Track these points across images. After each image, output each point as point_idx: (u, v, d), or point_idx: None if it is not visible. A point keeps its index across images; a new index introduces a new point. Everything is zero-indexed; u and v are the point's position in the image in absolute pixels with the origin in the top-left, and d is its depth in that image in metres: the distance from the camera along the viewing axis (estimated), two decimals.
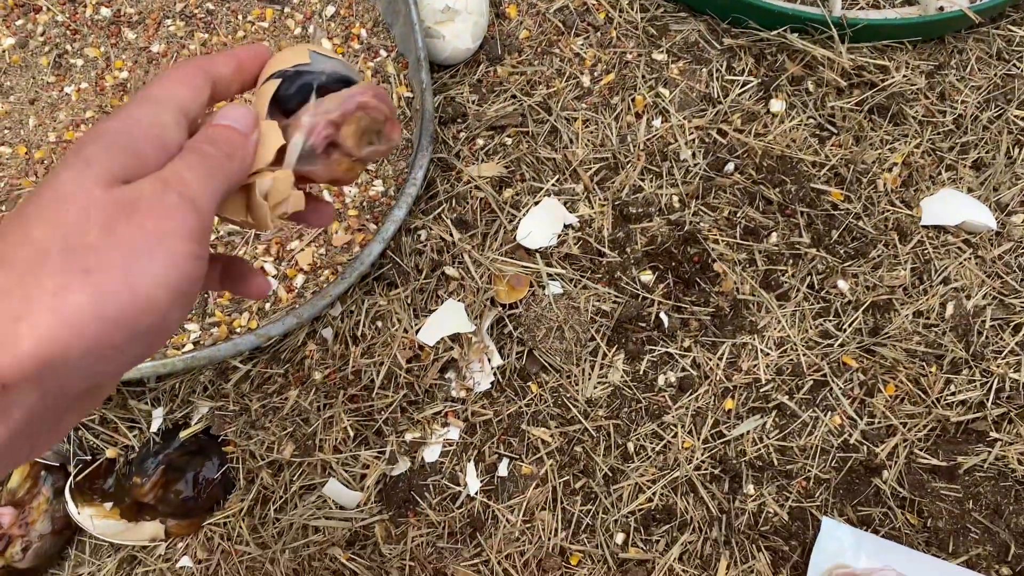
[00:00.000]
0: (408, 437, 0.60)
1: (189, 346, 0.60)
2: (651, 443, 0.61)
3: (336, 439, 0.58)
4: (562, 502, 0.59)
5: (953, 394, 0.61)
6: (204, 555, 0.60)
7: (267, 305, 0.62)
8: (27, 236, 0.29)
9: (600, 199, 0.66)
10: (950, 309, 0.63)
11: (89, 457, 0.60)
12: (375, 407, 0.60)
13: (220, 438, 0.61)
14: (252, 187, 0.33)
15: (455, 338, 0.61)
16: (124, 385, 0.61)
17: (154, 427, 0.60)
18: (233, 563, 0.59)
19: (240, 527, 0.59)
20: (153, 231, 0.30)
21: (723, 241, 0.65)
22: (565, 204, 0.65)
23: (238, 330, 0.60)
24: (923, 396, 0.61)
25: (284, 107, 0.34)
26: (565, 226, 0.65)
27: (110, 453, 0.60)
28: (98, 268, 0.29)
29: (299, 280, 0.62)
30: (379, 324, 0.62)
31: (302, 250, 0.63)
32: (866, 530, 0.58)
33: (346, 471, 0.59)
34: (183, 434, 0.59)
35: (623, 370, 0.63)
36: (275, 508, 0.59)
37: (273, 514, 0.59)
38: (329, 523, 0.59)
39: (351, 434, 0.59)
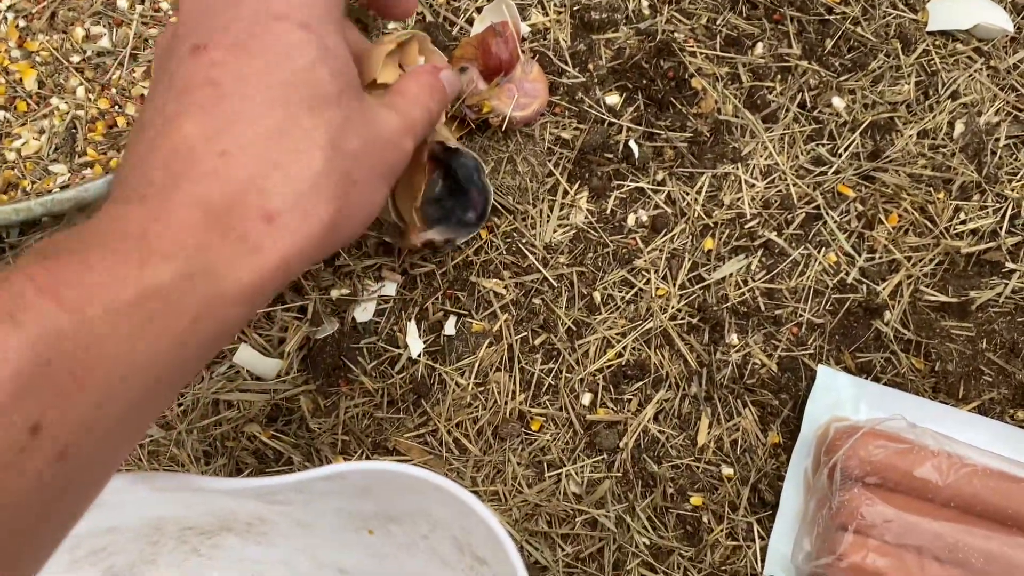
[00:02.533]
0: (334, 294, 0.50)
1: (57, 191, 0.49)
2: (620, 291, 0.52)
3: None
4: (520, 361, 0.51)
5: (963, 222, 0.53)
6: None
7: None
8: (299, 120, 0.31)
9: (556, 4, 0.55)
10: (959, 127, 0.54)
11: None
12: None
13: None
14: None
15: None
16: None
17: None
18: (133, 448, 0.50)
19: None
20: (391, 164, 0.36)
21: (701, 53, 0.55)
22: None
23: None
24: (930, 226, 0.53)
25: None
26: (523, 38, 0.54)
27: None
28: (362, 183, 0.34)
29: None
30: None
31: None
32: (866, 378, 0.51)
33: (260, 335, 0.50)
34: None
35: (587, 210, 0.53)
36: None
37: None
38: (244, 397, 0.49)
39: None
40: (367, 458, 0.49)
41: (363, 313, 0.50)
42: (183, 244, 0.27)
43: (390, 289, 0.51)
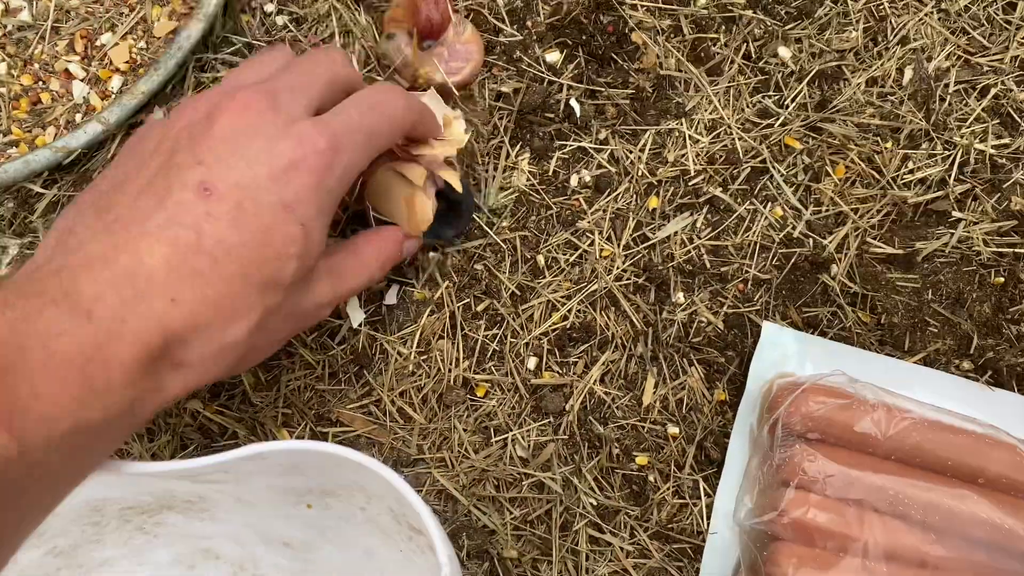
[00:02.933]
0: None
1: None
2: (564, 254, 0.51)
3: None
4: (463, 328, 0.50)
5: (911, 172, 0.52)
6: None
7: (77, 116, 0.49)
8: (248, 290, 0.35)
9: None
10: (908, 74, 0.53)
11: None
12: None
13: None
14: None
15: None
16: None
17: None
18: None
19: None
20: (299, 326, 0.42)
21: (642, 6, 0.53)
22: None
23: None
24: (877, 176, 0.52)
25: None
26: None
27: None
28: (266, 346, 0.40)
29: (115, 83, 0.49)
30: None
31: (116, 44, 0.50)
32: (813, 333, 0.50)
33: None
34: None
35: (529, 172, 0.52)
36: None
37: None
38: None
39: None
40: (310, 430, 0.49)
41: None
42: (117, 384, 0.30)
43: None
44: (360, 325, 0.50)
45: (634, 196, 0.52)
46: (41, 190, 0.48)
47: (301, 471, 0.38)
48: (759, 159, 0.52)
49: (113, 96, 0.49)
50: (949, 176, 0.52)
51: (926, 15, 0.54)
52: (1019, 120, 0.53)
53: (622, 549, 0.48)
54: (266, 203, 0.33)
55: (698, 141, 0.52)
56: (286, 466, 0.37)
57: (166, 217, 0.32)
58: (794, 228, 0.51)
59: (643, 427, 0.50)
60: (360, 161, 0.38)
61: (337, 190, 0.37)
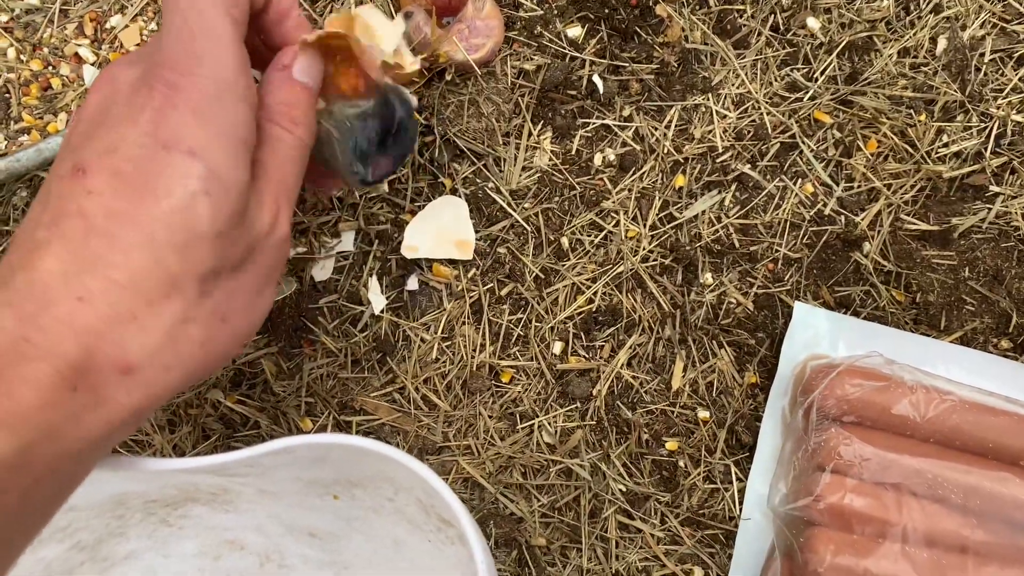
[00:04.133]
0: (290, 253, 0.49)
1: None
2: (589, 235, 0.50)
3: None
4: (487, 313, 0.49)
5: (946, 145, 0.50)
6: None
7: None
8: (164, 264, 0.29)
9: None
10: (942, 44, 0.51)
11: None
12: None
13: None
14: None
15: None
16: None
17: None
18: None
19: None
20: (272, 267, 0.33)
21: None
22: None
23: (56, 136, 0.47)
24: (910, 151, 0.50)
25: None
26: None
27: None
28: (233, 315, 0.32)
29: None
30: None
31: (126, 26, 0.48)
32: (846, 313, 0.49)
33: None
34: None
35: (552, 151, 0.51)
36: None
37: None
38: None
39: None
40: (334, 419, 0.48)
41: (321, 271, 0.48)
42: (27, 410, 0.26)
43: (348, 243, 0.49)
44: (382, 311, 0.49)
45: (660, 174, 0.50)
46: None
47: (327, 463, 0.38)
48: (788, 134, 0.51)
49: None
50: (985, 149, 0.50)
51: None
52: None
53: (652, 536, 0.47)
54: (143, 155, 0.29)
55: (725, 116, 0.51)
56: (312, 459, 0.37)
57: (50, 216, 0.29)
58: (825, 205, 0.50)
59: (672, 411, 0.49)
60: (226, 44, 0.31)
61: (218, 93, 0.30)
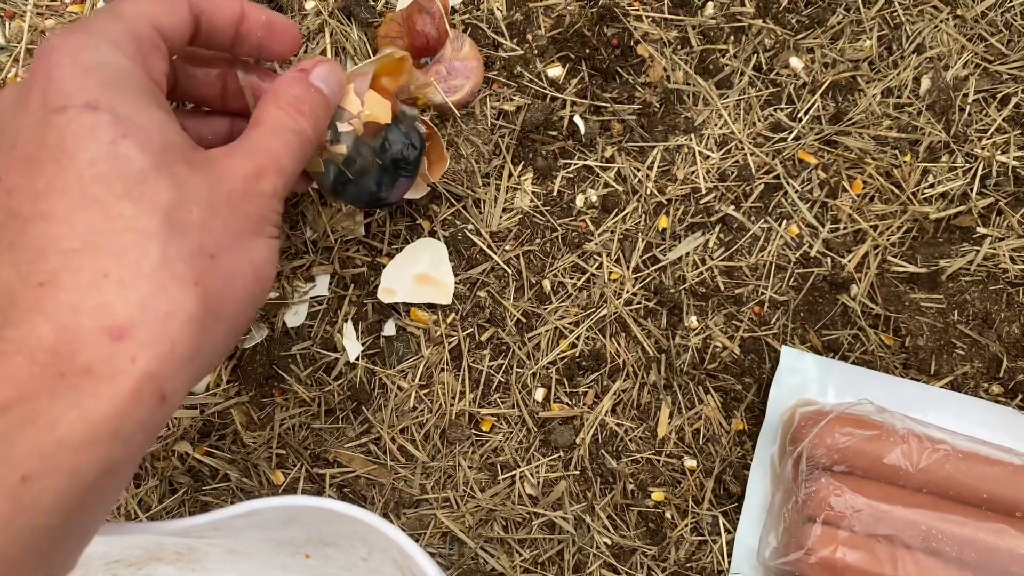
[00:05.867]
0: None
1: None
2: (571, 278, 0.49)
3: None
4: (466, 359, 0.48)
5: (932, 186, 0.50)
6: None
7: None
8: (115, 214, 0.26)
9: None
10: (925, 84, 0.51)
11: None
12: None
13: None
14: None
15: None
16: None
17: None
18: None
19: None
20: (255, 217, 0.30)
21: (647, 17, 0.51)
22: None
23: None
24: (896, 191, 0.49)
25: None
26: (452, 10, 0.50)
27: None
28: (222, 252, 0.28)
29: None
30: None
31: None
32: (834, 357, 0.48)
33: None
34: None
35: (533, 192, 0.50)
36: None
37: None
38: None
39: None
40: (306, 471, 0.46)
41: (294, 317, 0.47)
42: (5, 400, 0.24)
43: (322, 288, 0.48)
44: (357, 358, 0.47)
45: (643, 216, 0.49)
46: None
47: (297, 524, 0.36)
48: (772, 175, 0.50)
49: None
50: (971, 190, 0.49)
51: (941, 21, 0.52)
52: None
53: None
54: (41, 130, 0.27)
55: (708, 157, 0.50)
56: (281, 520, 0.35)
57: None
58: (811, 247, 0.49)
59: (658, 460, 0.47)
60: None
61: (95, 44, 0.28)
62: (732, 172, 0.50)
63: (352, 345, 0.47)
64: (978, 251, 0.48)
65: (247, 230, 0.30)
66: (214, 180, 0.29)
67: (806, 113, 0.50)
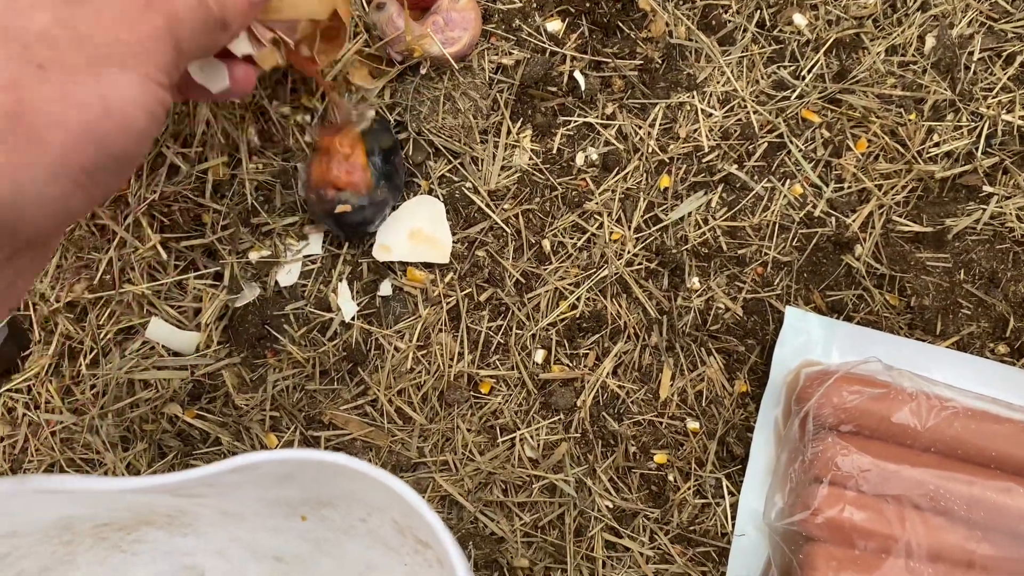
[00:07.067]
0: (253, 257, 0.45)
1: None
2: (571, 238, 0.48)
3: (146, 263, 0.43)
4: (465, 320, 0.47)
5: (937, 145, 0.49)
6: (6, 430, 0.46)
7: None
8: None
9: None
10: (930, 41, 0.50)
11: None
12: (201, 218, 0.45)
13: None
14: None
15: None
16: None
17: None
18: (44, 436, 0.45)
19: (47, 391, 0.45)
20: (129, 42, 0.26)
21: None
22: None
23: None
24: (901, 150, 0.49)
25: None
26: None
27: None
28: (57, 67, 0.25)
29: None
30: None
31: None
32: (838, 318, 0.47)
33: (172, 306, 0.45)
34: None
35: (532, 150, 0.48)
36: (87, 363, 0.45)
37: (86, 370, 0.45)
38: (161, 375, 0.45)
39: (165, 256, 0.44)
40: (301, 434, 0.45)
41: (287, 276, 0.45)
42: None
43: (316, 246, 0.46)
44: (353, 318, 0.46)
45: (644, 175, 0.48)
46: None
47: (294, 481, 0.34)
48: (776, 134, 0.49)
49: None
50: (977, 148, 0.49)
51: None
52: None
53: (641, 554, 0.45)
54: None
55: (711, 115, 0.49)
56: (278, 476, 0.33)
57: None
58: (815, 206, 0.48)
59: (660, 423, 0.46)
60: None
61: None
62: (735, 130, 0.49)
63: (347, 305, 0.45)
64: (984, 210, 0.48)
65: (113, 58, 0.25)
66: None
67: (809, 71, 0.49)
